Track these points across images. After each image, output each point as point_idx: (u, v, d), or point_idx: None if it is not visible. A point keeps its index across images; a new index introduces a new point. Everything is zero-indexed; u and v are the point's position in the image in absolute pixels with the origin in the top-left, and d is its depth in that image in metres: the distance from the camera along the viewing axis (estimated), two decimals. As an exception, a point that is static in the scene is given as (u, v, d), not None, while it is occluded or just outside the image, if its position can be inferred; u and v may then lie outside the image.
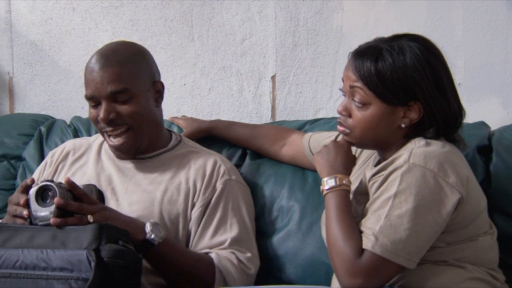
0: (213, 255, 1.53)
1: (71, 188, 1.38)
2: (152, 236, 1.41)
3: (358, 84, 1.35)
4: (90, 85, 1.57)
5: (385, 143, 1.40)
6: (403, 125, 1.36)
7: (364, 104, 1.36)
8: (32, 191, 1.36)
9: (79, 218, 1.35)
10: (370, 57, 1.34)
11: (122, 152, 1.63)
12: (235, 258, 1.54)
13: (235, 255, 1.54)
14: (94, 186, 1.48)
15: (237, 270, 1.52)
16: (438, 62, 1.36)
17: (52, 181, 1.38)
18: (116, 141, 1.59)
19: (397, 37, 1.38)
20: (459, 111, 1.39)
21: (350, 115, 1.39)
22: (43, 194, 1.36)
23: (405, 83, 1.33)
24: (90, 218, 1.37)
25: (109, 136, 1.60)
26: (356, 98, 1.37)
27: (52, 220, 1.32)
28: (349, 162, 1.45)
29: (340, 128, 1.42)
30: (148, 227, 1.42)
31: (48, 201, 1.35)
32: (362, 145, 1.47)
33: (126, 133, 1.59)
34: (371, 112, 1.36)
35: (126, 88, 1.56)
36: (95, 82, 1.56)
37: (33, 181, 1.40)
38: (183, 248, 1.55)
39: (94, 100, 1.58)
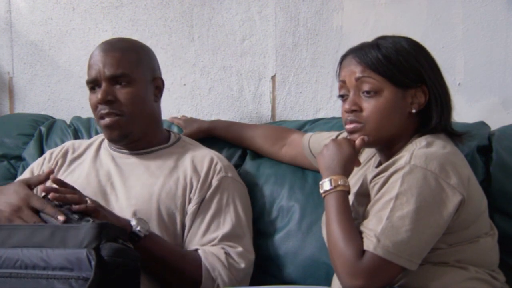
0: (200, 252, 1.54)
1: (59, 184, 1.43)
2: (138, 228, 1.43)
3: (366, 73, 1.37)
4: (92, 68, 1.63)
5: (397, 134, 1.39)
6: (413, 111, 1.38)
7: (376, 92, 1.36)
8: None
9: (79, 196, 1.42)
10: (370, 48, 1.38)
11: (112, 132, 1.63)
12: (223, 253, 1.53)
13: (224, 250, 1.54)
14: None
15: (224, 265, 1.52)
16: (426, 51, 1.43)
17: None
18: (108, 119, 1.61)
19: (382, 38, 1.42)
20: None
21: (361, 109, 1.38)
22: None
23: (411, 64, 1.37)
24: (88, 200, 1.42)
25: (103, 117, 1.62)
26: (366, 88, 1.37)
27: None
28: (348, 161, 1.41)
29: (350, 126, 1.40)
30: (133, 221, 1.45)
31: None
32: (376, 138, 1.40)
33: (118, 116, 1.61)
34: (385, 98, 1.36)
35: (125, 73, 1.61)
36: (96, 65, 1.62)
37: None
38: (169, 244, 1.55)
39: (95, 83, 1.62)
